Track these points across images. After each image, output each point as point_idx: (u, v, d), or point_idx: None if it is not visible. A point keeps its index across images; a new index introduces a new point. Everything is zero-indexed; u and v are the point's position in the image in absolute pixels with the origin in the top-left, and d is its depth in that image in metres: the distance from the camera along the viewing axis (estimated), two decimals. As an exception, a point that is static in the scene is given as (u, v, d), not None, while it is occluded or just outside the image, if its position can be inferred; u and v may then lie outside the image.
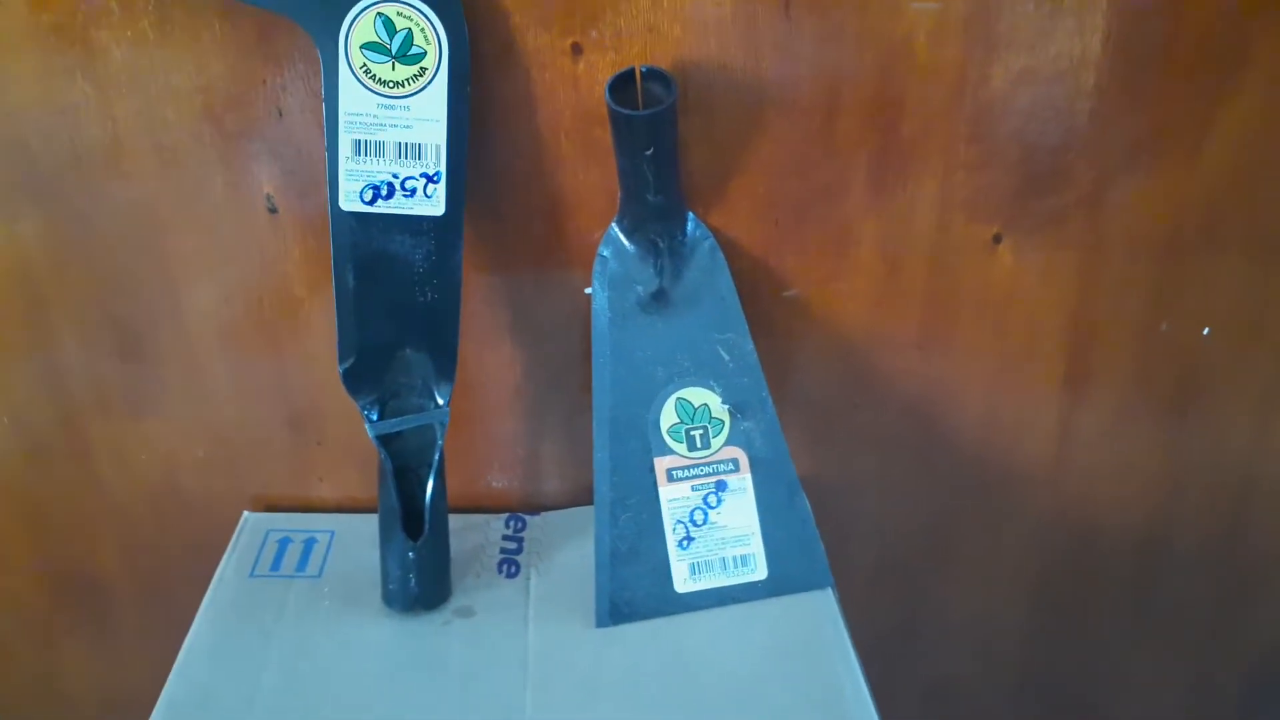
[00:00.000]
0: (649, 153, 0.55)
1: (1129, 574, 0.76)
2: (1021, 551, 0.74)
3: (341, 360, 0.56)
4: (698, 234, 0.60)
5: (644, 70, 0.55)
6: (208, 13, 0.53)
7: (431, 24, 0.52)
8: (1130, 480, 0.71)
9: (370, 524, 0.64)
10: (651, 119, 0.54)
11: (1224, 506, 0.73)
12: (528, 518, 0.68)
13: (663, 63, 0.55)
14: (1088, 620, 0.78)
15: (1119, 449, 0.70)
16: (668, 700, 0.55)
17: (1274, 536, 0.74)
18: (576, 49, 0.55)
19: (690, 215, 0.60)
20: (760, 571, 0.60)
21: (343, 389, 0.58)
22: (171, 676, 0.57)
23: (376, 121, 0.53)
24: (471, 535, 0.66)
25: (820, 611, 0.59)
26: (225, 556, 0.64)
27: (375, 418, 0.58)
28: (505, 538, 0.66)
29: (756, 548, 0.60)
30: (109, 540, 0.70)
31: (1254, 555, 0.75)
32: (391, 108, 0.53)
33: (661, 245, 0.59)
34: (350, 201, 0.54)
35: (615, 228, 0.60)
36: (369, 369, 0.57)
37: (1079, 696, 0.82)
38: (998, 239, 0.62)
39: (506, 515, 0.68)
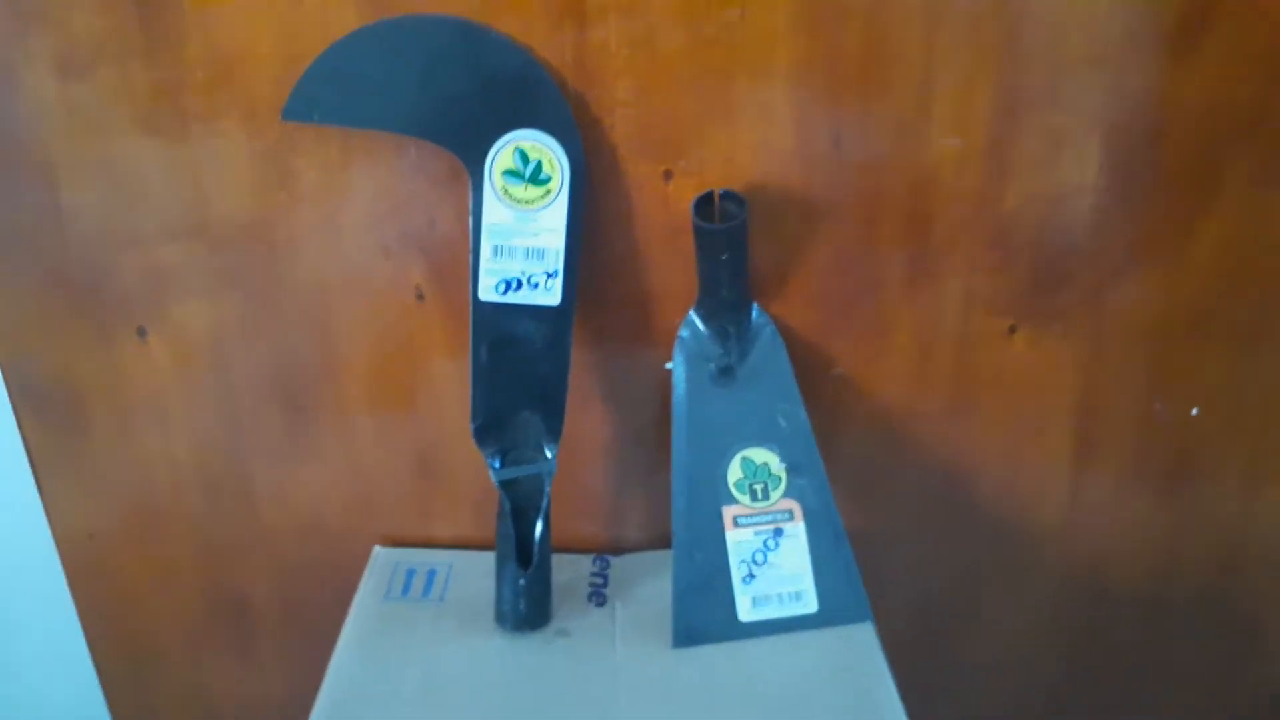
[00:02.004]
0: (724, 258, 0.67)
1: (1137, 624, 0.84)
2: (1039, 601, 0.83)
3: (474, 419, 0.69)
4: (761, 321, 0.71)
5: (721, 192, 0.67)
6: (382, 144, 0.68)
7: (557, 155, 0.66)
8: (1133, 541, 0.80)
9: (481, 559, 0.76)
10: (727, 231, 0.66)
11: (1218, 566, 0.81)
12: (611, 558, 0.79)
13: (736, 185, 0.68)
14: (1101, 665, 0.86)
15: (1122, 513, 0.79)
16: (734, 710, 0.65)
17: (1265, 594, 0.83)
18: (668, 174, 0.69)
19: (755, 305, 0.71)
20: (811, 605, 0.70)
21: (463, 444, 0.71)
22: (326, 681, 0.67)
23: (512, 231, 0.66)
24: (564, 571, 0.76)
25: (862, 641, 0.69)
26: (362, 583, 0.76)
27: (498, 466, 0.70)
28: (593, 574, 0.78)
29: (808, 585, 0.70)
30: (260, 566, 0.82)
31: (1248, 610, 0.83)
32: (523, 220, 0.66)
33: (731, 330, 0.70)
34: (488, 294, 0.67)
35: (693, 315, 0.71)
36: (494, 427, 0.69)
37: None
38: (1013, 329, 0.73)
39: (593, 555, 0.80)
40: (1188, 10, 0.65)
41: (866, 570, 0.71)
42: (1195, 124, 0.68)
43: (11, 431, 0.77)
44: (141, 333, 0.74)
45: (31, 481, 0.79)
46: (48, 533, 0.81)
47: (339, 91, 0.64)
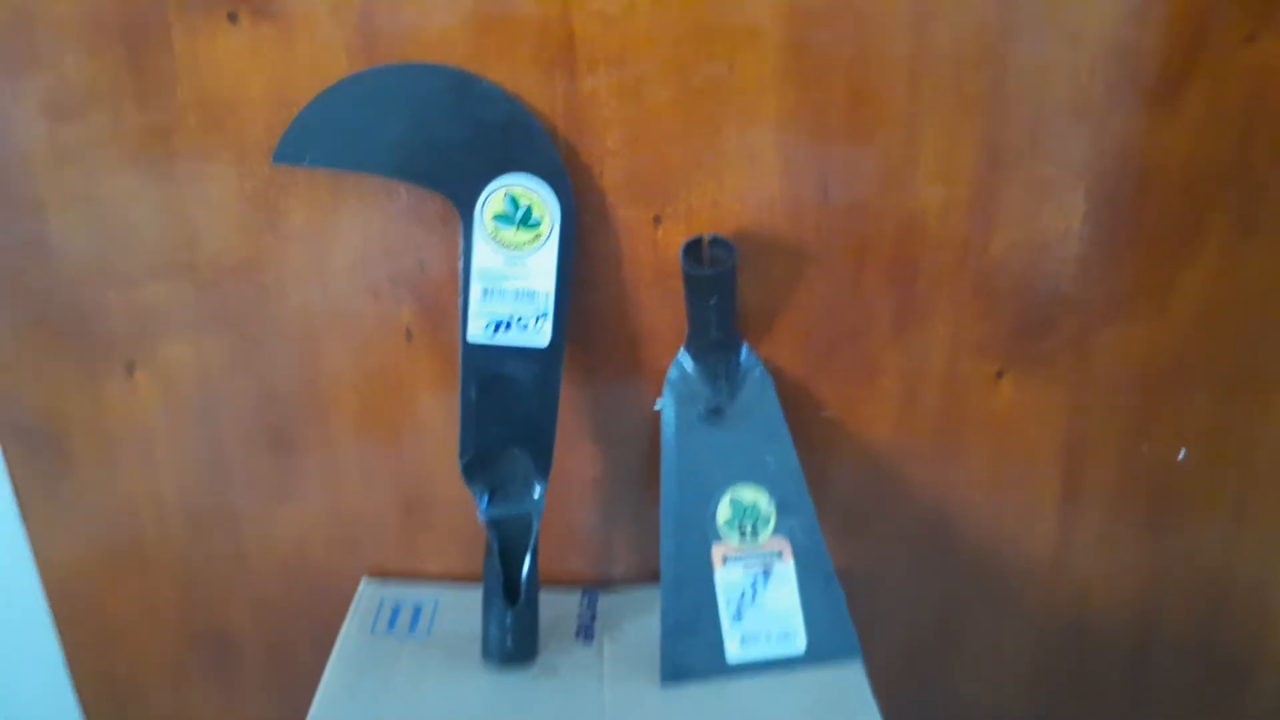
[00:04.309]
0: (712, 301, 0.68)
1: (1122, 663, 0.84)
2: (1025, 640, 0.83)
3: (462, 456, 0.69)
4: (750, 362, 0.71)
5: (710, 238, 0.68)
6: (374, 187, 0.68)
7: (548, 200, 0.66)
8: (1119, 581, 0.81)
9: (468, 594, 0.76)
10: (715, 276, 0.67)
11: (1203, 605, 0.82)
12: (599, 594, 0.80)
13: (725, 231, 0.68)
14: (1085, 704, 0.86)
15: (1108, 553, 0.80)
16: (720, 750, 0.66)
17: (1249, 633, 0.83)
18: (657, 219, 0.69)
19: (744, 346, 0.71)
20: (800, 644, 0.70)
21: (451, 480, 0.71)
22: (311, 716, 0.67)
23: (501, 273, 0.67)
24: (552, 606, 0.77)
25: (850, 679, 0.69)
26: (348, 617, 0.76)
27: (485, 504, 0.70)
28: (581, 610, 0.78)
29: (797, 624, 0.71)
30: (244, 602, 0.82)
31: (1232, 650, 0.84)
32: (513, 263, 0.67)
33: (720, 371, 0.71)
34: (477, 335, 0.67)
35: (682, 355, 0.71)
36: (483, 464, 0.70)
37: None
38: (999, 374, 0.74)
39: (581, 590, 0.80)
40: (1169, 63, 0.66)
41: (854, 608, 0.71)
42: (1177, 175, 0.69)
43: (-2, 466, 0.77)
44: (129, 369, 0.74)
45: (17, 516, 0.79)
46: (33, 567, 0.81)
47: (330, 136, 0.65)
